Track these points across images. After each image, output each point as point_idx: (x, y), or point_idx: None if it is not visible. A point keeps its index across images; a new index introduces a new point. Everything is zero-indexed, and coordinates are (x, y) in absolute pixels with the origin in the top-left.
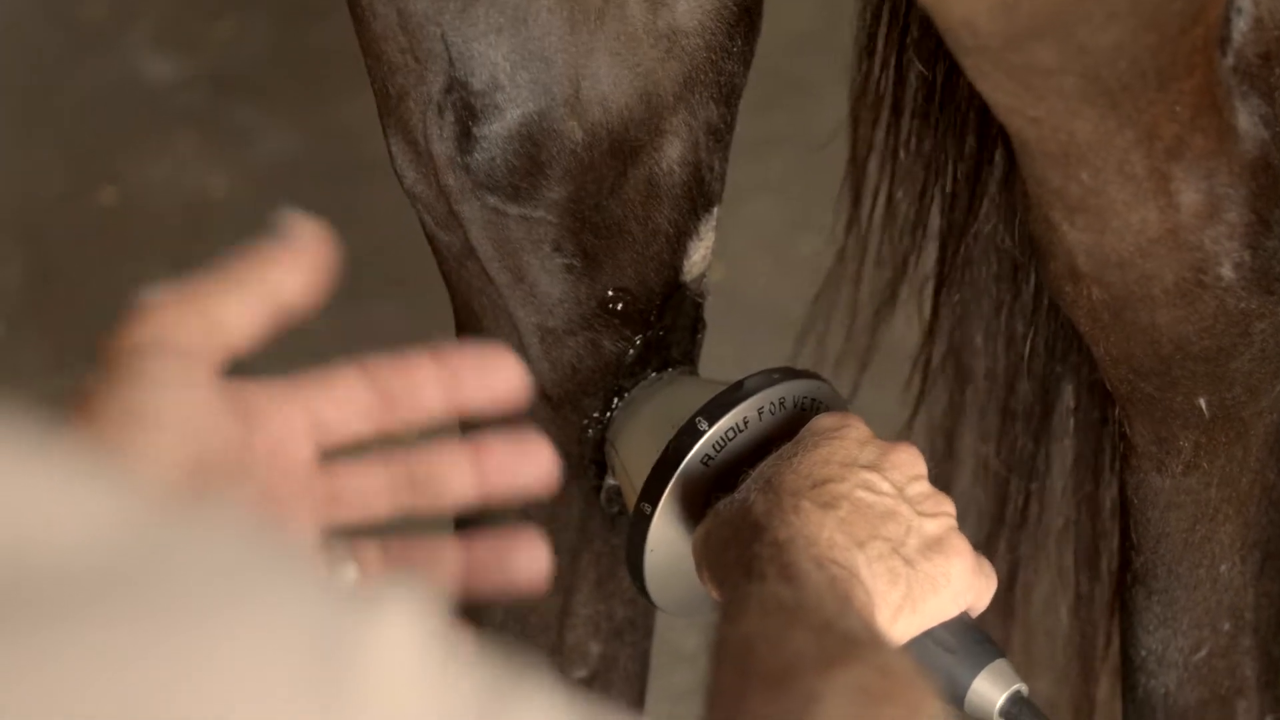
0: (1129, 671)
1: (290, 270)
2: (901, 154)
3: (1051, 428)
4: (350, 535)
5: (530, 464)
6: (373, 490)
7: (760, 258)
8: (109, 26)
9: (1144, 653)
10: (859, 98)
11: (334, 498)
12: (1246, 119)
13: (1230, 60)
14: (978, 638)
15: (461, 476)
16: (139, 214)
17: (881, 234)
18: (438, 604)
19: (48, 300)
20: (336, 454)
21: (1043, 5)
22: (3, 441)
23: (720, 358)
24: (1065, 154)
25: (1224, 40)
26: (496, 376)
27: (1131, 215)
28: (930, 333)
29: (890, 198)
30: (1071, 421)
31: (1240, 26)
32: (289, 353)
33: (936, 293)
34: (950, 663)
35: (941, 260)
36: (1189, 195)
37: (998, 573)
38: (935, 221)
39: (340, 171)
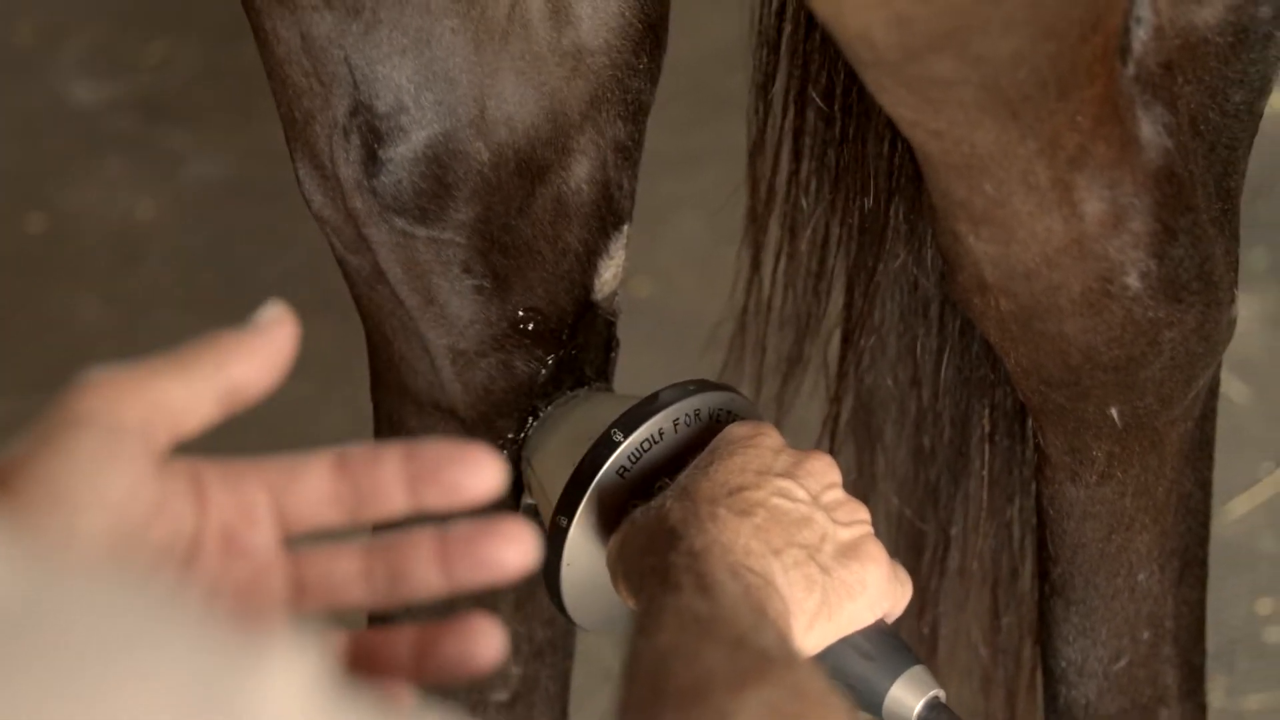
0: (1049, 682)
1: (248, 356)
2: (803, 201)
3: (968, 459)
4: (318, 623)
5: (504, 548)
6: (343, 579)
7: (686, 273)
8: (37, 50)
9: (1063, 664)
10: (756, 148)
11: (300, 585)
12: (1149, 128)
13: (1132, 69)
14: (895, 644)
15: (431, 567)
16: (68, 240)
17: (785, 292)
18: (325, 651)
19: None
20: (305, 541)
21: (939, 17)
22: None
23: (647, 372)
24: (968, 165)
25: (1125, 49)
26: (471, 478)
27: (1036, 225)
28: (837, 388)
29: (792, 250)
30: (986, 447)
31: (1140, 35)
32: None
33: (844, 341)
34: (868, 669)
35: (849, 304)
36: (1093, 205)
37: (918, 631)
38: (837, 267)
39: (269, 192)
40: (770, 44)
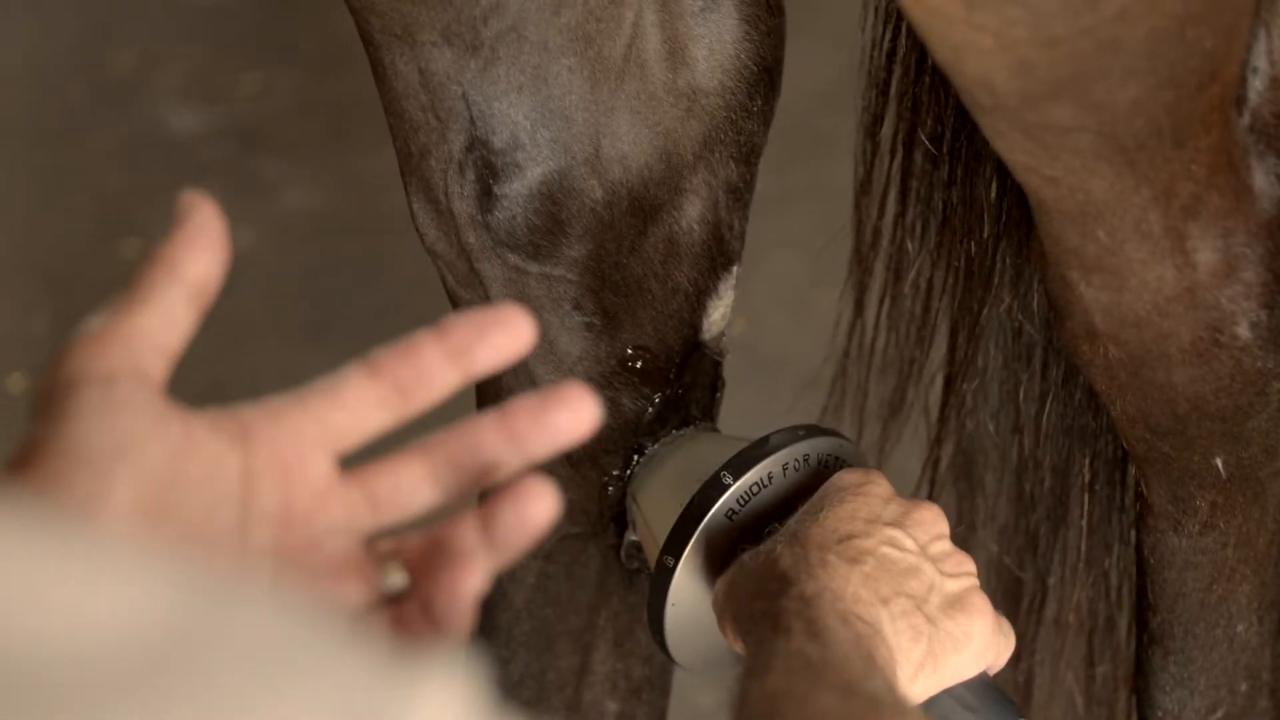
0: None
1: (190, 252)
2: (909, 245)
3: (1068, 508)
4: (392, 535)
5: (565, 416)
6: (411, 483)
7: (780, 313)
8: (136, 78)
9: (1160, 713)
10: (863, 189)
11: (371, 501)
12: (1263, 178)
13: (1247, 119)
14: (997, 696)
15: (499, 447)
16: None
17: (888, 335)
18: (475, 677)
19: None
20: (365, 456)
21: (1060, 63)
22: (19, 527)
23: (741, 412)
24: (1082, 212)
25: (1240, 99)
26: (502, 335)
27: (1148, 274)
28: (939, 433)
29: (896, 295)
30: (1086, 496)
31: (1256, 86)
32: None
33: (947, 386)
34: None
35: (952, 348)
36: (1206, 254)
37: (1014, 680)
38: (941, 311)
39: (365, 224)
40: (879, 85)
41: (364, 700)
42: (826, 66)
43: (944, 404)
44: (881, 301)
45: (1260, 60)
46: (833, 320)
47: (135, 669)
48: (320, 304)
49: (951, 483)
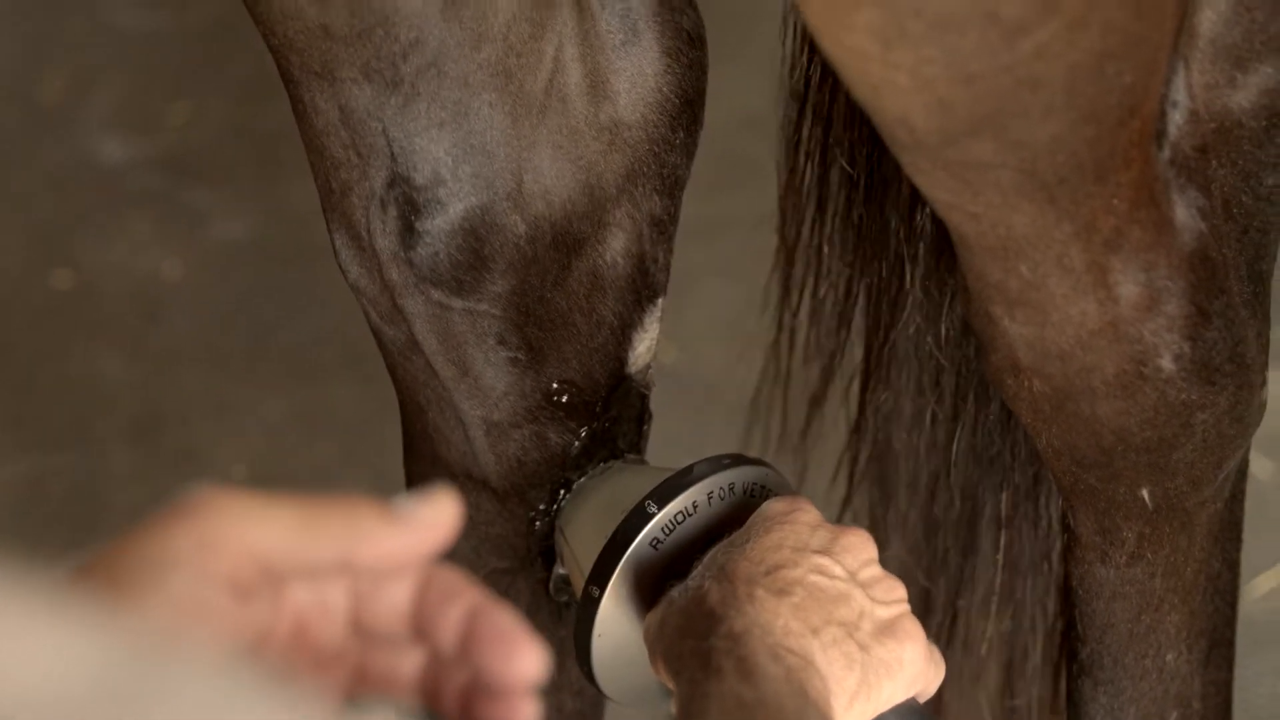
0: None
1: (382, 541)
2: (825, 249)
3: (978, 540)
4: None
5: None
6: (404, 675)
7: (712, 340)
8: (65, 107)
9: None
10: (785, 192)
11: (361, 672)
12: (1184, 211)
13: (1167, 153)
14: (922, 718)
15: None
16: (94, 296)
17: (809, 329)
18: None
19: (2, 382)
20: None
21: (979, 101)
22: None
23: (674, 440)
24: (1004, 248)
25: (1160, 133)
26: (515, 663)
27: (1071, 308)
28: (856, 431)
29: (815, 293)
30: (1003, 532)
31: (1176, 120)
32: (243, 432)
33: (863, 391)
34: None
35: (866, 358)
36: (1128, 288)
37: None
38: (857, 318)
39: (295, 253)
40: (799, 101)
41: None
42: (754, 94)
43: (860, 408)
44: (799, 305)
45: (1180, 94)
46: (764, 348)
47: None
48: (251, 333)
49: (866, 490)
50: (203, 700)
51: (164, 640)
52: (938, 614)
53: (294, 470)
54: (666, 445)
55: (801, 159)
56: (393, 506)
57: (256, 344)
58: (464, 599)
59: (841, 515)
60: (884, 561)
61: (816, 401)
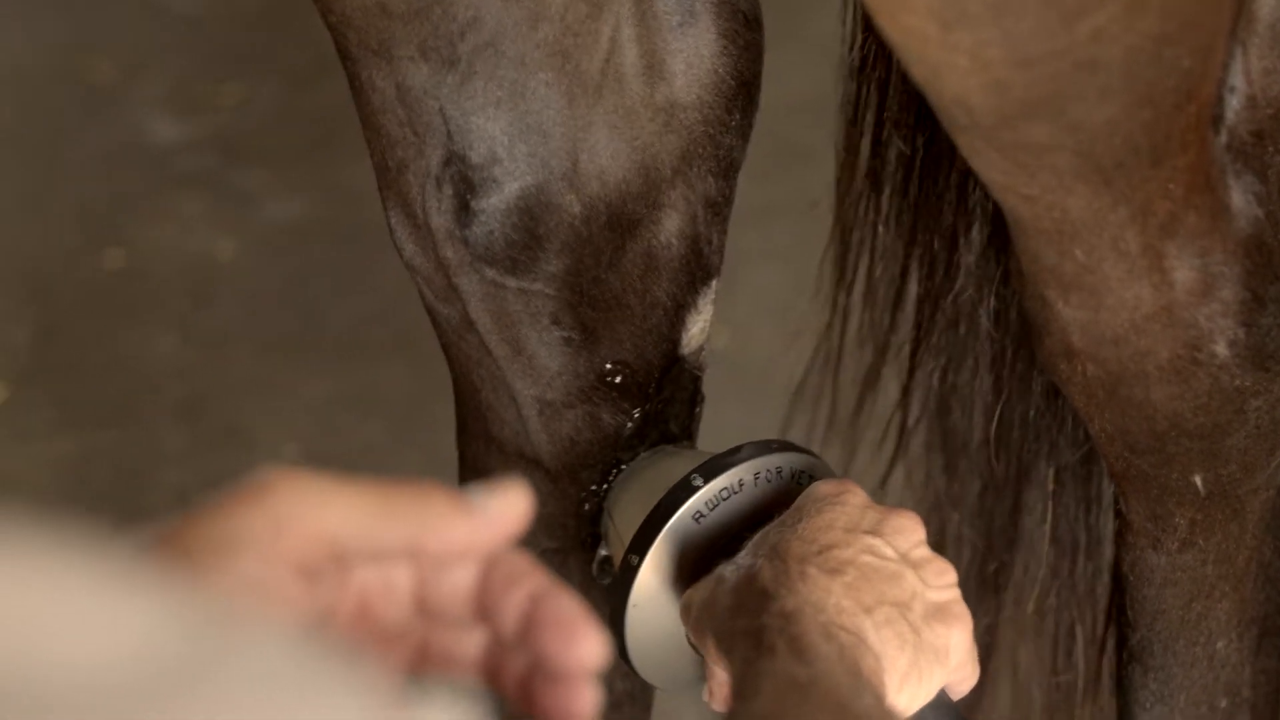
0: None
1: (451, 530)
2: (881, 229)
3: (1024, 504)
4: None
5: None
6: (465, 655)
7: (764, 324)
8: (118, 89)
9: None
10: (842, 173)
11: (423, 650)
12: (1240, 197)
13: (1224, 138)
14: (953, 712)
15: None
16: (145, 276)
17: (863, 309)
18: (478, 710)
19: (53, 362)
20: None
21: (1037, 84)
22: (22, 551)
23: (724, 424)
24: (1059, 231)
25: (1217, 118)
26: (574, 649)
27: (1126, 292)
28: (905, 396)
29: (870, 272)
30: (1050, 505)
31: (1234, 104)
32: (292, 412)
33: (912, 357)
34: None
35: (917, 326)
36: (1183, 273)
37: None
38: (913, 291)
39: (346, 233)
40: (857, 79)
41: None
42: (809, 78)
43: (907, 381)
44: (853, 285)
45: (1237, 79)
46: (816, 332)
47: (134, 694)
48: (301, 314)
49: (920, 456)
50: (258, 673)
51: (222, 612)
52: (989, 568)
53: (343, 450)
54: (718, 429)
55: (859, 138)
56: (464, 497)
57: (306, 324)
58: (527, 583)
59: (888, 477)
60: (939, 527)
61: (869, 382)
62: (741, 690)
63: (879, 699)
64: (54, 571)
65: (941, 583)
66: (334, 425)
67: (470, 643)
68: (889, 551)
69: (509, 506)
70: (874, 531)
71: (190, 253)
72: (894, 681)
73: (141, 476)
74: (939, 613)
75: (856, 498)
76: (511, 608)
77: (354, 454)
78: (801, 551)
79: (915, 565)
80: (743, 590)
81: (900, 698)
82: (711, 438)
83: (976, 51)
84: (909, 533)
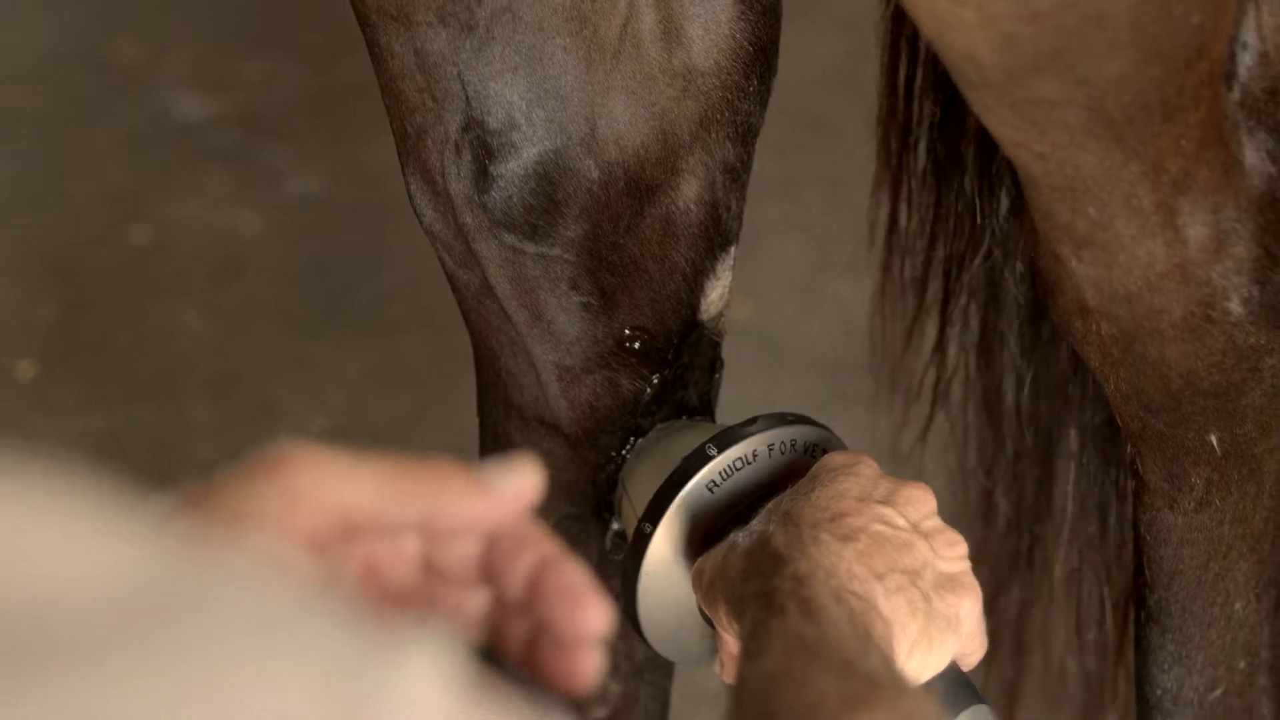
0: (1144, 711)
1: (464, 505)
2: (913, 186)
3: (1053, 471)
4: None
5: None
6: (471, 610)
7: (787, 296)
8: (143, 68)
9: (1159, 691)
10: (881, 138)
11: (430, 601)
12: (1253, 154)
13: (1236, 95)
14: (962, 682)
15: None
16: (170, 252)
17: (902, 262)
18: (459, 648)
19: (80, 338)
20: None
21: (1044, 37)
22: (9, 479)
23: (747, 394)
24: (1071, 188)
25: (1230, 75)
26: (581, 619)
27: (1139, 249)
28: (938, 351)
29: (905, 230)
30: (1074, 466)
31: (1246, 61)
32: (319, 387)
33: (941, 316)
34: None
35: (945, 289)
36: (1196, 229)
37: (1008, 613)
38: (940, 252)
39: (369, 210)
40: (888, 45)
41: (347, 668)
42: (832, 51)
43: (936, 341)
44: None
45: (1250, 36)
46: (839, 304)
47: (116, 626)
48: (325, 291)
49: (959, 417)
50: (238, 607)
51: (209, 547)
52: (1020, 539)
53: (369, 424)
54: (740, 400)
55: (895, 101)
56: (478, 473)
57: (332, 300)
58: (535, 549)
59: (926, 431)
60: (967, 495)
61: (903, 346)
62: (750, 649)
63: (888, 661)
64: (41, 499)
65: (952, 554)
66: (361, 399)
67: (475, 601)
68: (900, 521)
69: (522, 483)
70: (886, 501)
71: (216, 229)
72: (904, 647)
73: (170, 452)
74: (949, 582)
75: (869, 468)
76: (518, 572)
77: (381, 427)
78: (814, 518)
79: (926, 535)
80: (755, 554)
81: (910, 664)
82: (733, 408)
83: (984, 4)
84: (920, 503)
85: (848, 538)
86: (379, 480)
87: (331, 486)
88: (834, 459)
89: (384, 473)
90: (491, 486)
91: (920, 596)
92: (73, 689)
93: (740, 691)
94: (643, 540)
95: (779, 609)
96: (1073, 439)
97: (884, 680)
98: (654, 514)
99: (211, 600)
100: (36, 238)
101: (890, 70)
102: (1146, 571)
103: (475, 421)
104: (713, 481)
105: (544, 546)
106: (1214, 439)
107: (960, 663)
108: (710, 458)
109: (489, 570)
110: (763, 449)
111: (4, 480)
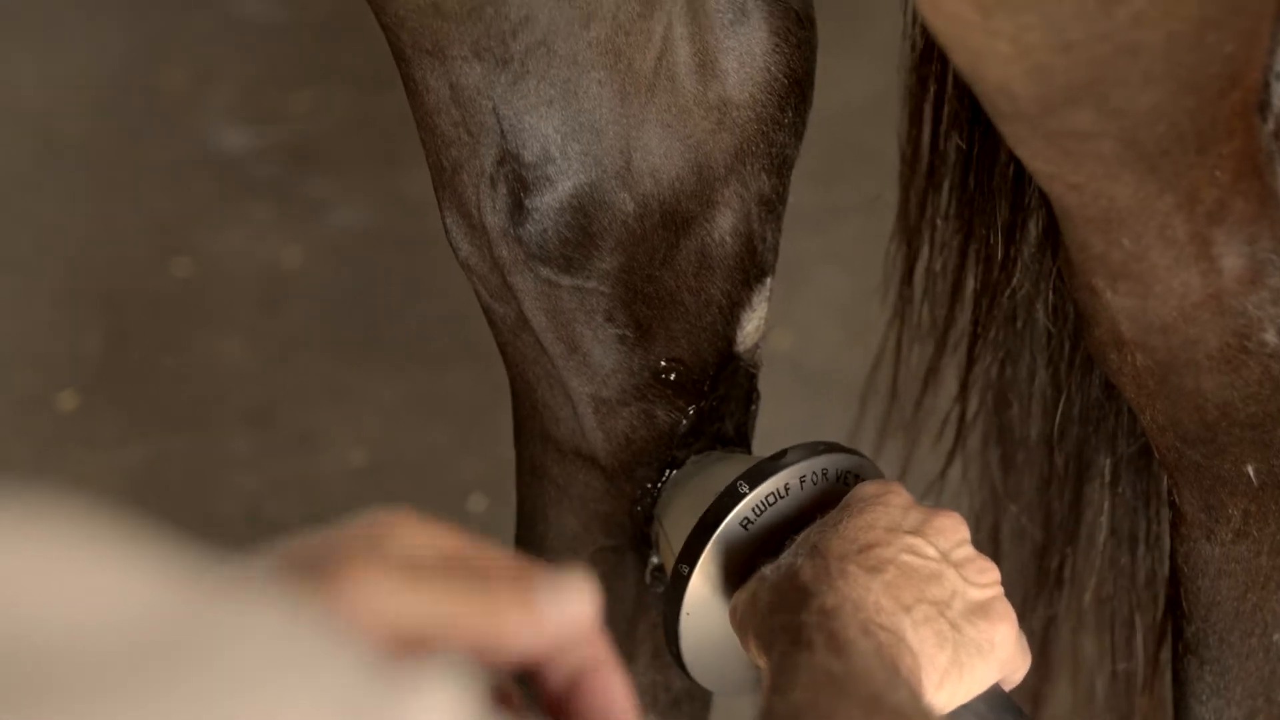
0: None
1: (523, 620)
2: (940, 224)
3: (1085, 496)
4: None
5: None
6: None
7: (828, 326)
8: (188, 98)
9: None
10: (905, 169)
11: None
12: None
13: (1271, 125)
14: (1008, 706)
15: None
16: (214, 284)
17: (922, 306)
18: (474, 681)
19: (124, 369)
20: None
21: (1078, 69)
22: (19, 520)
23: (788, 425)
24: (1106, 219)
25: (1264, 105)
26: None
27: (1174, 280)
28: (963, 389)
29: (930, 268)
30: (1108, 495)
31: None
32: (360, 418)
33: (970, 351)
34: None
35: (975, 321)
36: (1231, 260)
37: (1034, 632)
38: (970, 286)
39: (413, 241)
40: (917, 76)
41: (361, 701)
42: (871, 82)
43: (965, 374)
44: (912, 275)
45: None
46: (878, 333)
47: (122, 666)
48: (369, 320)
49: (982, 448)
50: (261, 650)
51: (220, 586)
52: (1049, 560)
53: (412, 454)
54: (780, 430)
55: (919, 134)
56: (534, 592)
57: (374, 330)
58: (585, 650)
59: (946, 471)
60: (997, 521)
61: (929, 378)
62: (777, 683)
63: (915, 694)
64: (58, 538)
65: (984, 580)
66: (401, 430)
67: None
68: (930, 551)
69: (581, 606)
70: (916, 531)
71: (259, 260)
72: (933, 678)
73: (211, 482)
74: (981, 610)
75: (900, 498)
76: (562, 667)
77: (420, 458)
78: (842, 550)
79: (957, 565)
80: (783, 588)
81: (940, 694)
82: (774, 438)
83: (1017, 36)
84: (951, 533)
85: (875, 569)
86: (434, 601)
87: (386, 604)
88: (864, 489)
89: (439, 594)
90: (549, 609)
91: (949, 626)
92: None
93: None
94: (681, 581)
95: (806, 643)
96: (1107, 469)
97: (909, 712)
98: (689, 556)
99: (226, 639)
100: (79, 268)
101: (915, 112)
102: (1184, 603)
103: (514, 453)
104: (746, 519)
105: (595, 649)
106: (1251, 470)
107: (1004, 683)
108: (742, 495)
109: (535, 660)
110: (794, 481)
111: (22, 515)
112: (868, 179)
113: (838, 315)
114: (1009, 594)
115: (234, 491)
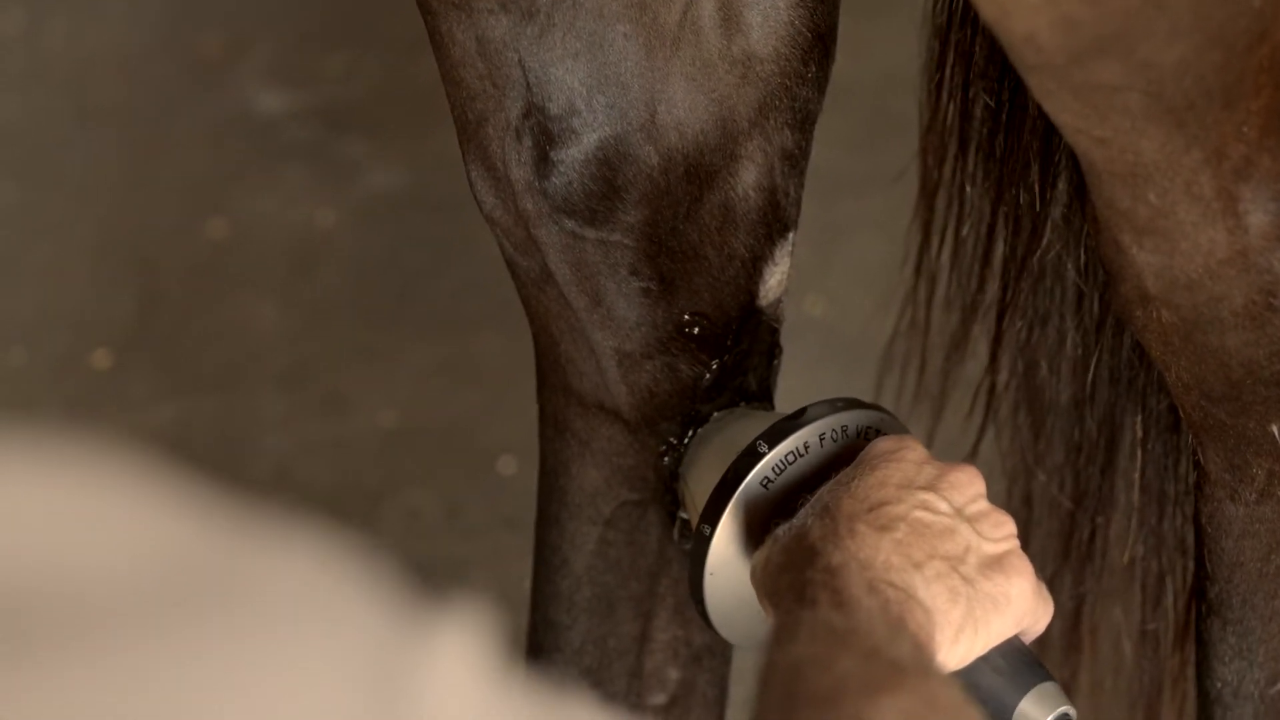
0: (1204, 704)
1: None
2: (968, 188)
3: (1117, 460)
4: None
5: None
6: None
7: (860, 293)
8: (223, 61)
9: (1219, 685)
10: (927, 133)
11: None
12: None
13: None
14: (1028, 660)
15: None
16: (247, 246)
17: (950, 272)
18: (492, 628)
19: (157, 330)
20: None
21: (1106, 20)
22: (62, 472)
23: (821, 390)
24: (1132, 174)
25: None
26: None
27: (1200, 236)
28: (994, 360)
29: (957, 234)
30: (1139, 453)
31: None
32: (391, 381)
33: (999, 320)
34: (998, 684)
35: (1004, 287)
36: (1257, 216)
37: (1064, 606)
38: (1000, 251)
39: (446, 205)
40: (941, 36)
41: (383, 645)
42: (904, 50)
43: (995, 339)
44: (940, 249)
45: None
46: (910, 302)
47: (162, 597)
48: (400, 283)
49: (1012, 415)
50: (281, 596)
51: (249, 530)
52: (1079, 532)
53: (444, 418)
54: (814, 395)
55: (944, 98)
56: None
57: (405, 294)
58: None
59: (979, 441)
60: (1028, 487)
61: (958, 344)
62: (779, 637)
63: (918, 648)
64: (94, 488)
65: (998, 534)
66: (431, 393)
67: None
68: (943, 506)
69: None
70: (929, 487)
71: (292, 223)
72: (948, 634)
73: (242, 443)
74: (996, 564)
75: (914, 453)
76: None
77: (451, 421)
78: (852, 509)
79: (971, 519)
80: (792, 548)
81: (956, 649)
82: (806, 401)
83: None
84: (965, 486)
85: (885, 528)
86: None
87: None
88: (879, 445)
89: None
90: None
91: (962, 582)
92: (74, 680)
93: (766, 676)
94: (703, 541)
95: (810, 600)
96: (1137, 426)
97: (909, 665)
98: (711, 516)
99: (253, 578)
100: (114, 230)
101: (936, 81)
102: (1207, 564)
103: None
104: (766, 479)
105: None
106: (1276, 429)
107: (1024, 635)
108: (761, 454)
109: None
110: (814, 440)
111: (60, 467)
112: (902, 147)
113: (871, 283)
114: (1039, 565)
115: (264, 452)
